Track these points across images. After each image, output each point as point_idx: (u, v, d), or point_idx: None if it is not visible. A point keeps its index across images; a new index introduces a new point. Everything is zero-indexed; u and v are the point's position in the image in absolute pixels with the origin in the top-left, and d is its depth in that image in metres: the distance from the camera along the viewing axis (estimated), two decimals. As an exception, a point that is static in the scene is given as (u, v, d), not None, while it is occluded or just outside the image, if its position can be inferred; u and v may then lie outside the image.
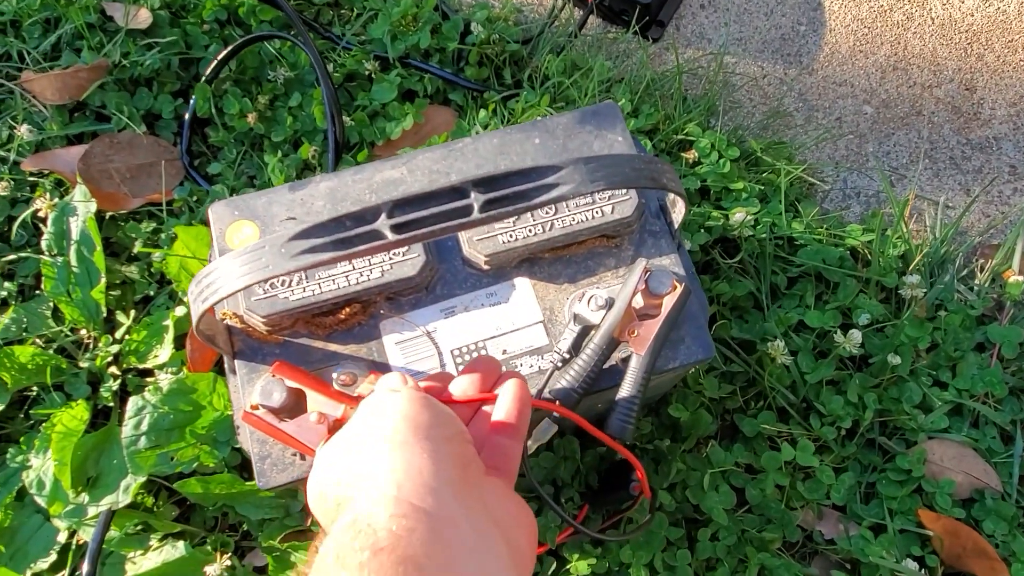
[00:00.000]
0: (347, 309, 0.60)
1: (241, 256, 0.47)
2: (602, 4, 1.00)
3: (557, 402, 0.57)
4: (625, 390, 0.57)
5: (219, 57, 0.93)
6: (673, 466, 0.80)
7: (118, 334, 0.85)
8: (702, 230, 0.87)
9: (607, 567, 0.77)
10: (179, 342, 0.83)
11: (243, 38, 0.92)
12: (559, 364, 0.58)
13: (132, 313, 0.86)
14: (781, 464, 0.81)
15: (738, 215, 0.84)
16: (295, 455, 0.58)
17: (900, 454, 0.81)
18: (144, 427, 0.76)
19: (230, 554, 0.74)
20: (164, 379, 0.78)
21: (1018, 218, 0.93)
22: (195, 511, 0.81)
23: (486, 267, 0.62)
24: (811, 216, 0.90)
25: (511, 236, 0.61)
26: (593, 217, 0.62)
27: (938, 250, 0.89)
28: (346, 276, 0.59)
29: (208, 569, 0.72)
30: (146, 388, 0.77)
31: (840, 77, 1.02)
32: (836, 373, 0.84)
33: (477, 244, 0.61)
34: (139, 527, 0.77)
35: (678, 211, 0.62)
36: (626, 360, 0.59)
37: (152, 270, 0.88)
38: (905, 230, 0.89)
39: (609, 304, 0.59)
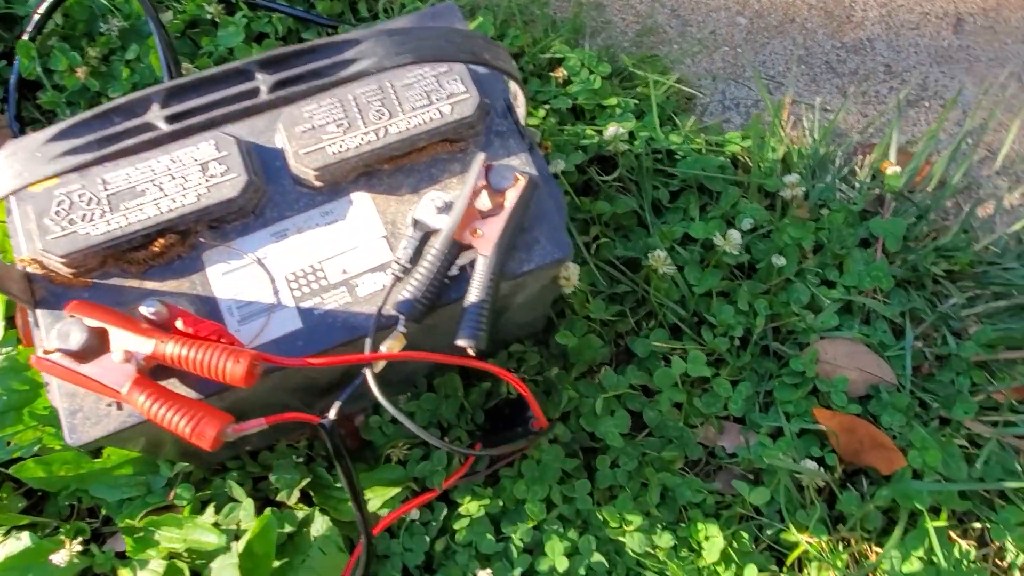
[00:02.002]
0: (161, 240, 0.54)
1: (-11, 167, 0.41)
2: (458, -72, 0.95)
3: (402, 317, 0.53)
4: (473, 295, 0.52)
5: (41, 9, 0.84)
6: (564, 394, 0.76)
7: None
8: (578, 150, 0.83)
9: (501, 506, 0.73)
10: (11, 324, 0.75)
11: None
12: (400, 275, 0.53)
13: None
14: (675, 380, 0.78)
15: (611, 129, 0.81)
16: (111, 405, 0.51)
17: (793, 357, 0.79)
18: (-26, 411, 0.68)
19: (81, 540, 0.67)
20: (-5, 358, 0.70)
21: (892, 111, 0.92)
22: (48, 500, 0.73)
23: (318, 183, 0.56)
24: (689, 128, 0.87)
25: (341, 146, 0.56)
26: (431, 119, 0.57)
27: (817, 151, 0.87)
28: (156, 203, 0.53)
29: (54, 558, 0.65)
30: (-25, 370, 0.69)
31: (711, -10, 1.00)
32: (725, 284, 0.81)
33: (304, 158, 0.55)
34: (-18, 523, 0.70)
35: (519, 103, 0.57)
36: (472, 265, 0.54)
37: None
38: (784, 133, 0.87)
39: (450, 206, 0.54)
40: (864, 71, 0.97)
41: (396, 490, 0.71)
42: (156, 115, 0.41)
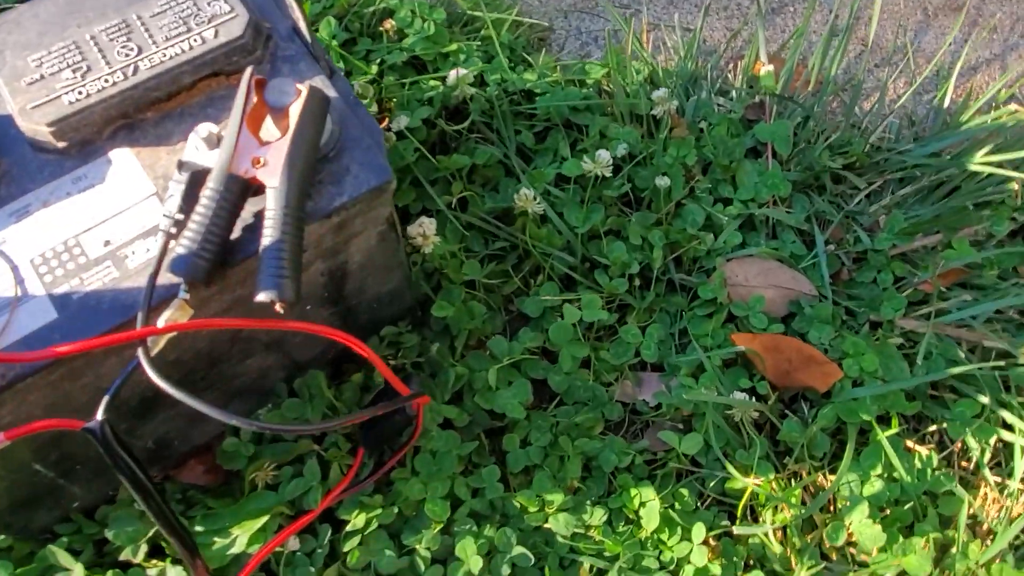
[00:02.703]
0: None
1: None
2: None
3: (181, 280, 0.42)
4: (268, 236, 0.42)
5: None
6: (451, 372, 0.66)
7: None
8: (423, 105, 0.74)
9: (397, 513, 0.61)
10: None
11: None
12: (171, 230, 0.42)
13: None
14: (574, 334, 0.68)
15: (452, 73, 0.72)
16: None
17: (701, 284, 0.70)
18: None
19: None
20: None
21: (755, 16, 0.87)
22: None
23: (61, 143, 0.45)
24: (543, 64, 0.79)
25: (80, 92, 0.45)
26: (191, 47, 0.47)
27: (685, 67, 0.80)
28: None
29: None
30: None
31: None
32: (613, 220, 0.73)
33: (34, 113, 0.44)
34: None
35: (295, 12, 0.48)
36: (260, 213, 0.43)
37: None
38: (646, 56, 0.80)
39: (222, 139, 0.43)
40: (722, -13, 0.91)
41: (263, 519, 0.59)
42: None
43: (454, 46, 0.76)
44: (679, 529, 0.63)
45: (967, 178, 0.76)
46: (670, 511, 0.64)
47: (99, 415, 0.39)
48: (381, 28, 0.77)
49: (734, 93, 0.80)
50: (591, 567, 0.63)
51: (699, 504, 0.66)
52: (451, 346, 0.69)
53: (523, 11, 0.85)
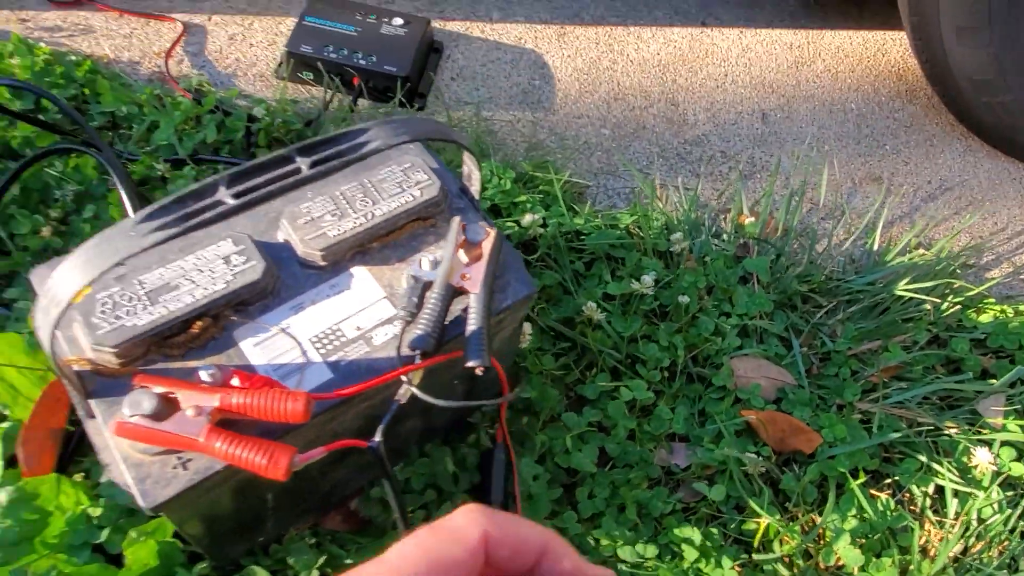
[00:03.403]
0: (198, 323, 0.62)
1: (88, 250, 0.50)
2: (367, 85, 1.14)
3: (418, 352, 0.63)
4: (472, 324, 0.64)
5: (9, 177, 0.92)
6: (537, 438, 0.87)
7: (-76, 475, 0.76)
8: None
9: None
10: (9, 462, 0.76)
11: (38, 151, 0.92)
12: (408, 319, 0.64)
13: (-62, 450, 0.78)
14: (624, 409, 0.90)
15: (527, 217, 0.98)
16: (176, 467, 0.57)
17: (714, 375, 0.95)
18: (-18, 548, 0.68)
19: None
20: (1, 495, 0.71)
21: (736, 181, 1.17)
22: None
23: (323, 262, 0.68)
24: (587, 212, 1.06)
25: (339, 229, 0.68)
26: (406, 202, 0.70)
27: (689, 216, 1.08)
28: (191, 292, 0.62)
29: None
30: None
31: (577, 112, 1.24)
32: (646, 328, 0.97)
33: (311, 242, 0.67)
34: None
35: (474, 181, 0.73)
36: (466, 308, 0.66)
37: (-46, 406, 0.81)
38: (661, 206, 1.08)
39: (438, 262, 0.67)
40: (706, 157, 1.22)
41: (408, 547, 0.77)
42: (224, 194, 0.53)
43: (523, 197, 1.03)
44: (712, 559, 0.84)
45: (895, 300, 1.05)
46: (705, 544, 0.84)
47: (377, 437, 0.59)
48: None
49: (725, 236, 1.08)
50: (649, 589, 0.82)
51: (724, 541, 0.87)
52: (535, 416, 0.90)
53: (564, 170, 1.13)
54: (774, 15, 1.46)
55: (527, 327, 0.85)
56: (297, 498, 0.74)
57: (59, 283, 0.50)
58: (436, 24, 1.26)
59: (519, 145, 1.17)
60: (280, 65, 1.17)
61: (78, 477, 0.77)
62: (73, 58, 1.09)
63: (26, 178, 0.95)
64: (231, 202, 0.52)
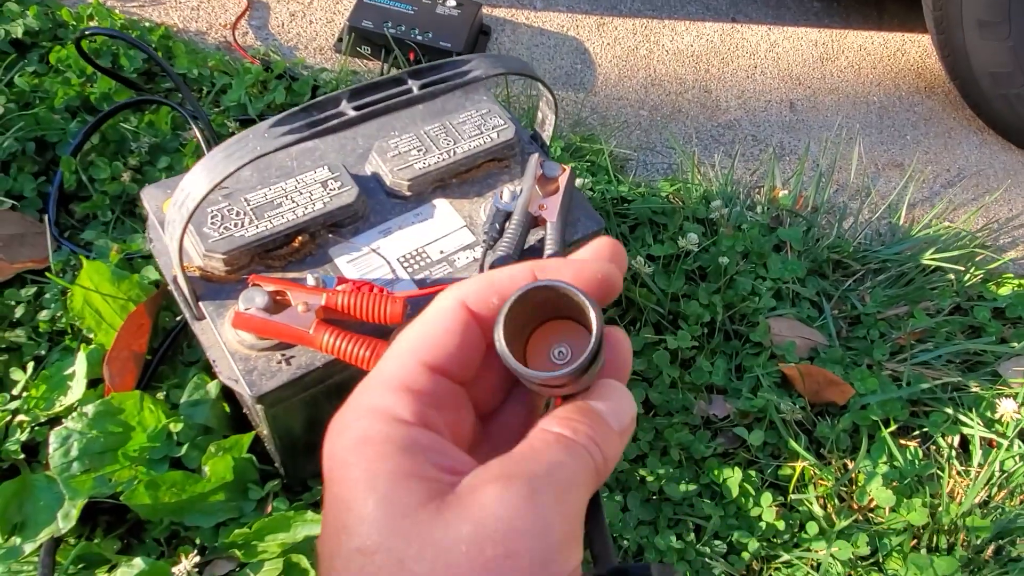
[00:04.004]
0: (299, 238, 0.67)
1: (226, 147, 0.55)
2: (424, 59, 1.20)
3: (498, 272, 0.69)
4: (549, 249, 0.70)
5: (91, 125, 0.98)
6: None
7: (15, 390, 0.81)
8: (552, 202, 1.05)
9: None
10: (91, 384, 0.81)
11: (125, 101, 0.98)
12: (491, 244, 0.70)
13: (28, 370, 0.83)
14: (668, 358, 0.96)
15: (578, 180, 1.03)
16: (280, 363, 0.62)
17: (751, 331, 1.00)
18: (74, 453, 0.73)
19: (195, 552, 0.72)
20: (88, 407, 0.76)
21: (768, 162, 1.23)
22: (136, 547, 0.76)
23: (408, 192, 0.73)
24: (630, 181, 1.12)
25: (424, 163, 0.73)
26: (484, 143, 0.76)
27: (725, 190, 1.14)
28: (292, 211, 0.68)
29: (176, 569, 0.69)
30: (65, 420, 0.75)
31: (617, 95, 1.30)
32: (687, 287, 1.03)
33: (399, 174, 0.72)
34: (81, 566, 0.72)
35: (547, 125, 0.78)
36: (542, 239, 0.72)
37: (39, 331, 0.86)
38: (699, 178, 1.14)
39: (517, 195, 0.72)
40: (739, 139, 1.29)
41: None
42: (345, 107, 0.58)
43: (572, 163, 1.09)
44: (751, 498, 0.89)
45: (919, 272, 1.11)
46: (744, 485, 0.89)
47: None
48: (520, 149, 1.09)
49: (759, 208, 1.14)
50: (693, 525, 0.87)
51: (761, 484, 0.92)
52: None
53: (607, 144, 1.20)
54: (799, 15, 1.54)
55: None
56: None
57: (197, 178, 0.55)
58: (485, 10, 1.33)
59: (563, 122, 1.23)
60: (340, 40, 1.23)
61: (160, 396, 0.82)
62: (147, 24, 1.15)
63: (105, 130, 1.01)
64: (352, 113, 0.58)
